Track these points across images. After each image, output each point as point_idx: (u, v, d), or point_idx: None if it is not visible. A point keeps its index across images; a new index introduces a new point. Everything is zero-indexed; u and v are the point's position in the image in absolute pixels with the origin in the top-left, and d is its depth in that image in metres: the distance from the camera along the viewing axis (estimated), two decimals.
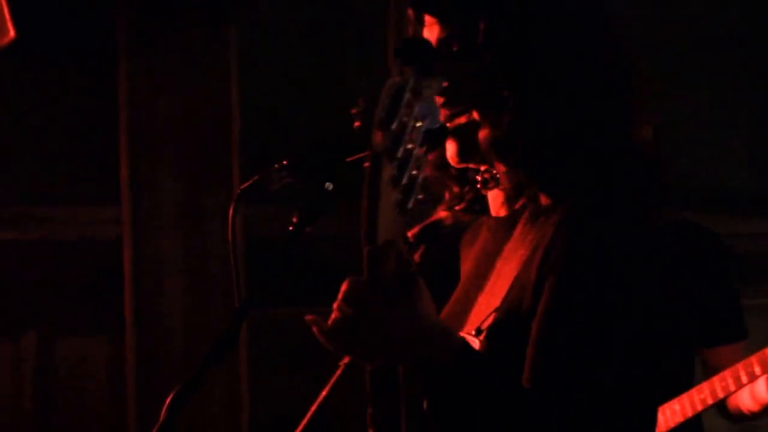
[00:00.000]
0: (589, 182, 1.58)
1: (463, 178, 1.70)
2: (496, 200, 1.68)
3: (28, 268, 4.13)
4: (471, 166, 1.66)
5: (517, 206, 1.65)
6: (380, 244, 1.42)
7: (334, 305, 1.48)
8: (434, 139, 1.52)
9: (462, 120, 1.61)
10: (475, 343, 1.58)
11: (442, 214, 2.30)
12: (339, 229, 3.57)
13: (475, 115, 1.61)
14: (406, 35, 1.70)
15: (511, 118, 1.58)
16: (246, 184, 1.67)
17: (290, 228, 1.59)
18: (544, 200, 1.60)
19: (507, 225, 1.66)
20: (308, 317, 1.49)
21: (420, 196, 1.45)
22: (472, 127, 1.61)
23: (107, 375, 4.15)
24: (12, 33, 3.06)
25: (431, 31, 1.65)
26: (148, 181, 4.12)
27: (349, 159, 1.64)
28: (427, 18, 1.66)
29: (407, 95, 1.43)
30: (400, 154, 1.42)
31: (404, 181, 1.43)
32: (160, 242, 4.13)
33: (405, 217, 1.45)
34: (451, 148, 1.63)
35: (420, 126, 1.44)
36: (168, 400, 1.55)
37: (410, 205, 1.44)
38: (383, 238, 1.42)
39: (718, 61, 4.72)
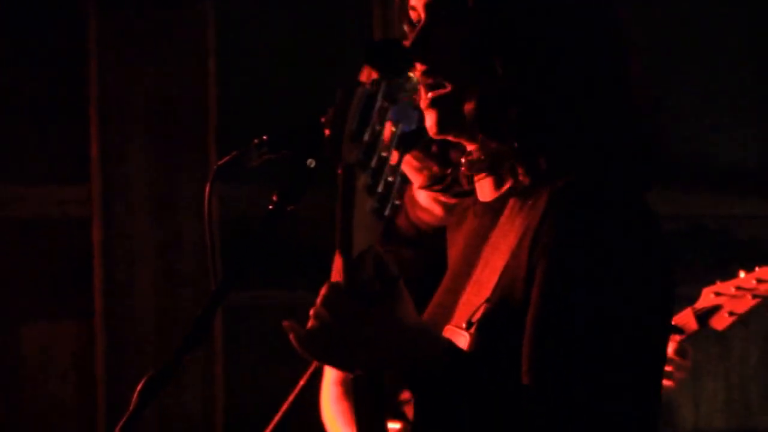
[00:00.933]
0: (579, 161, 1.53)
1: (445, 159, 1.66)
2: (482, 184, 1.62)
3: None
4: (450, 138, 1.61)
5: (503, 190, 1.59)
6: (357, 254, 1.42)
7: (311, 311, 1.45)
8: (410, 141, 1.49)
9: (444, 90, 1.56)
10: (465, 337, 1.53)
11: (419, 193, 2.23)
12: (319, 210, 3.51)
13: (458, 84, 1.56)
14: (376, 36, 1.66)
15: (498, 88, 1.53)
16: (224, 160, 1.60)
17: (270, 207, 1.54)
18: (529, 178, 1.55)
19: (493, 210, 1.61)
20: (285, 323, 1.46)
21: (397, 202, 1.44)
22: (454, 97, 1.56)
23: (75, 361, 4.13)
24: None
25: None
26: (119, 157, 4.09)
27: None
28: None
29: (379, 103, 1.43)
30: (373, 163, 1.42)
31: (379, 189, 1.43)
32: (131, 223, 4.11)
33: (382, 222, 1.45)
34: (430, 118, 1.57)
35: (394, 131, 1.44)
36: (140, 386, 1.51)
37: (387, 212, 1.44)
38: (360, 247, 1.42)
39: (721, 46, 4.71)
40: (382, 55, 1.47)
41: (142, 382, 1.50)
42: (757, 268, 2.72)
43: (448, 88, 1.55)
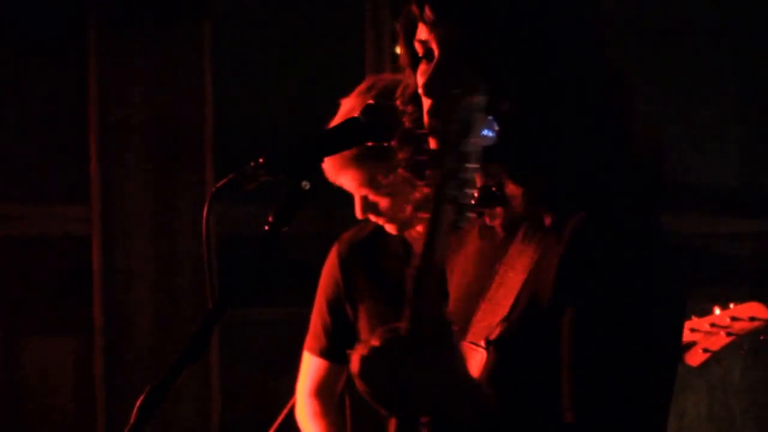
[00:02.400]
0: (595, 188, 1.54)
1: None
2: (491, 212, 1.65)
3: None
4: None
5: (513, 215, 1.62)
6: (433, 263, 1.42)
7: (368, 348, 1.45)
8: (490, 155, 1.48)
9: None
10: (482, 354, 1.56)
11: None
12: (314, 229, 3.55)
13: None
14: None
15: (509, 126, 1.53)
16: (221, 183, 1.64)
17: (266, 227, 1.57)
18: (547, 218, 1.57)
19: (503, 233, 1.63)
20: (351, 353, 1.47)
21: (472, 215, 1.45)
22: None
23: (75, 376, 4.12)
24: None
25: (430, 32, 1.58)
26: (118, 177, 4.09)
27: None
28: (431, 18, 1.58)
29: (478, 115, 1.43)
30: (464, 174, 1.43)
31: (462, 200, 1.43)
32: (130, 241, 4.11)
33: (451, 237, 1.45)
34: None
35: (475, 145, 1.43)
36: (139, 402, 1.53)
37: (462, 224, 1.44)
38: (438, 258, 1.42)
39: (707, 58, 4.74)
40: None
41: (141, 397, 1.52)
42: (731, 305, 2.70)
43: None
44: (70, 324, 4.10)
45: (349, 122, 1.63)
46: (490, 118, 1.44)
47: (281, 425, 2.74)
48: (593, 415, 1.46)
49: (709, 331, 2.70)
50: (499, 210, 1.62)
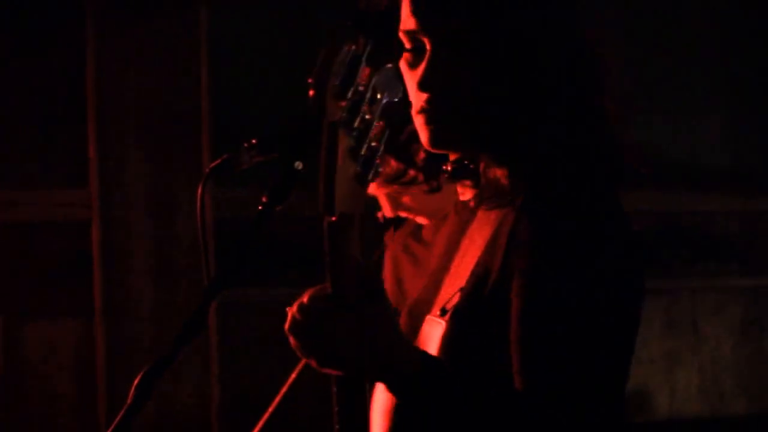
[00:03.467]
0: (553, 162, 1.58)
1: (407, 157, 1.71)
2: (463, 185, 1.68)
3: None
4: (443, 152, 1.65)
5: (480, 186, 1.65)
6: (339, 214, 1.41)
7: (294, 307, 1.48)
8: (395, 112, 1.49)
9: (444, 112, 1.60)
10: (442, 325, 1.58)
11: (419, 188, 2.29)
12: (308, 209, 3.57)
13: (456, 105, 1.60)
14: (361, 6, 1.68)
15: (490, 107, 1.58)
16: (215, 163, 1.66)
17: (260, 207, 1.58)
18: (509, 182, 1.60)
19: (471, 207, 1.67)
20: (289, 309, 1.49)
21: (380, 169, 1.44)
22: (450, 116, 1.60)
23: (76, 357, 4.14)
24: None
25: (418, 23, 1.61)
26: (117, 163, 4.11)
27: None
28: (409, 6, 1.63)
29: (363, 64, 1.41)
30: (357, 124, 1.40)
31: (363, 152, 1.41)
32: (129, 224, 4.13)
33: (364, 190, 1.44)
34: (424, 134, 1.61)
35: (380, 98, 1.42)
36: (136, 381, 1.54)
37: (370, 177, 1.43)
38: (342, 209, 1.41)
39: (695, 41, 4.75)
40: (370, 21, 1.49)
41: (139, 376, 1.53)
42: None
43: (446, 110, 1.59)
44: (70, 307, 4.12)
45: None
46: (388, 74, 1.43)
47: (278, 406, 2.76)
48: (540, 382, 1.48)
49: None
50: (469, 183, 1.65)
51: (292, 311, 1.48)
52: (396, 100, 1.46)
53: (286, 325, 1.48)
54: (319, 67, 1.42)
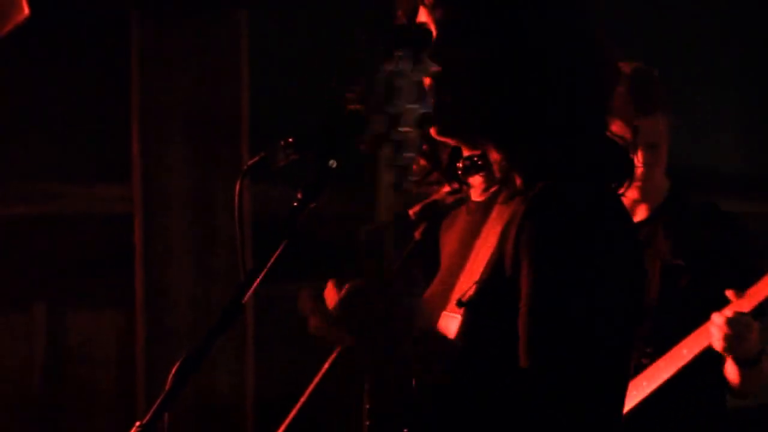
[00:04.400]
0: (561, 162, 1.63)
1: (433, 155, 1.75)
2: (476, 185, 1.73)
3: (40, 242, 4.15)
4: (450, 141, 1.71)
5: (493, 189, 1.70)
6: (379, 224, 1.46)
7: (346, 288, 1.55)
8: (427, 121, 1.56)
9: (447, 98, 1.65)
10: (458, 319, 1.63)
11: (443, 191, 2.35)
12: (344, 206, 3.61)
13: (461, 95, 1.66)
14: (398, 22, 1.73)
15: (497, 99, 1.63)
16: (252, 160, 1.69)
17: (294, 204, 1.62)
18: (518, 181, 1.65)
19: (484, 208, 1.72)
20: (304, 291, 1.59)
21: (416, 178, 1.51)
22: (457, 105, 1.66)
23: (116, 348, 4.18)
24: (27, 11, 3.09)
25: (429, 15, 1.69)
26: (159, 158, 4.15)
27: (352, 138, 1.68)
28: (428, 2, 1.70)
29: (404, 80, 1.48)
30: (396, 136, 1.47)
31: (400, 162, 1.48)
32: (169, 219, 4.16)
33: (399, 198, 1.52)
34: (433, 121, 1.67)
35: (415, 109, 1.49)
36: (173, 370, 1.57)
37: (405, 185, 1.52)
38: (382, 217, 1.47)
39: (708, 45, 4.74)
40: (410, 37, 1.57)
41: (176, 365, 1.57)
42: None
43: (449, 98, 1.65)
44: (112, 298, 4.17)
45: None
46: (425, 87, 1.50)
47: (311, 395, 2.80)
48: (543, 360, 1.54)
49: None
50: (480, 179, 1.70)
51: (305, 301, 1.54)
52: (429, 110, 1.52)
53: (336, 304, 1.55)
54: (362, 84, 1.49)
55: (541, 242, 1.58)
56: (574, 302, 1.56)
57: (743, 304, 2.74)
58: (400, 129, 1.48)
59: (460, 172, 1.72)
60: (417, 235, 2.46)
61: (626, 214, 1.64)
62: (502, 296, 1.60)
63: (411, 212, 2.44)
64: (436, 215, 1.83)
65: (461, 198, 1.78)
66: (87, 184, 4.19)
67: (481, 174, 1.71)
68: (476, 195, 1.74)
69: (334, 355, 2.74)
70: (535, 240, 1.58)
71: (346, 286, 1.54)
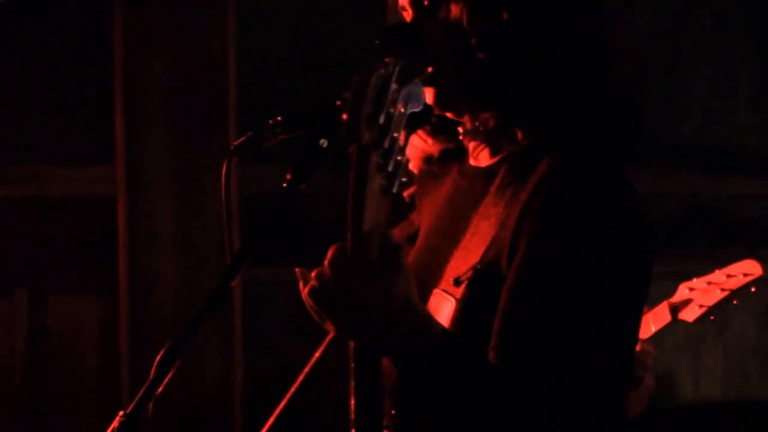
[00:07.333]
0: (569, 134, 1.57)
1: (454, 134, 1.71)
2: (477, 151, 1.68)
3: (22, 226, 4.14)
4: (450, 115, 1.66)
5: (498, 157, 1.65)
6: (366, 231, 1.44)
7: (315, 271, 1.49)
8: (416, 121, 1.51)
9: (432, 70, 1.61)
10: (452, 302, 1.58)
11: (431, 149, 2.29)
12: (333, 188, 3.56)
13: (444, 65, 1.61)
14: (386, 24, 1.69)
15: (481, 63, 1.59)
16: (240, 140, 1.66)
17: (284, 185, 1.59)
18: (519, 135, 1.60)
19: (484, 178, 1.66)
20: (297, 269, 1.51)
21: (404, 179, 1.46)
22: (444, 75, 1.62)
23: (99, 334, 4.16)
24: None
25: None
26: (143, 139, 4.13)
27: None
28: None
29: (393, 86, 1.44)
30: (386, 144, 1.44)
31: (390, 168, 1.45)
32: (153, 201, 4.14)
33: (388, 200, 1.46)
34: (428, 96, 1.63)
35: (404, 112, 1.46)
36: (158, 357, 1.55)
37: (395, 189, 1.45)
38: (369, 224, 1.44)
39: (725, 24, 4.72)
40: (398, 39, 1.53)
41: (161, 352, 1.55)
42: (731, 266, 2.82)
43: (434, 69, 1.60)
44: (94, 283, 4.15)
45: None
46: (413, 86, 1.47)
47: (302, 383, 2.76)
48: (511, 354, 1.47)
49: (705, 289, 2.81)
50: (484, 145, 1.65)
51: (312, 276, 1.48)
52: (418, 110, 1.49)
53: (306, 290, 1.49)
54: (352, 93, 1.45)
55: (537, 230, 1.52)
56: (556, 306, 1.49)
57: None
58: (391, 136, 1.45)
59: (460, 137, 1.67)
60: (405, 196, 2.41)
61: (640, 208, 1.56)
62: (500, 285, 1.53)
63: (406, 194, 2.40)
64: (427, 173, 1.79)
65: (449, 153, 1.73)
66: (68, 165, 4.17)
67: (484, 141, 1.65)
68: (477, 161, 1.69)
69: (325, 343, 2.69)
70: (532, 228, 1.52)
71: (312, 274, 1.48)
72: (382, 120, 1.43)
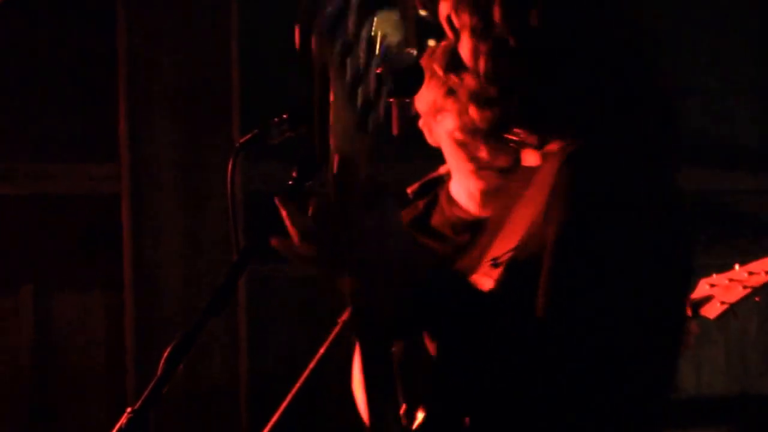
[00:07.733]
0: (603, 125, 1.58)
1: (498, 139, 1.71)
2: (527, 153, 1.70)
3: (28, 223, 4.14)
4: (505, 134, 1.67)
5: (542, 152, 1.66)
6: (339, 161, 1.34)
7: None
8: (397, 58, 1.38)
9: (490, 94, 1.60)
10: (490, 282, 1.56)
11: (442, 170, 2.31)
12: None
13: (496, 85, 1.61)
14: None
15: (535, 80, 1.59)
16: (245, 138, 1.66)
17: (289, 182, 1.58)
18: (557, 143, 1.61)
19: (528, 175, 1.67)
20: (274, 242, 1.46)
21: (380, 117, 1.34)
22: (495, 96, 1.61)
23: (105, 330, 4.17)
24: None
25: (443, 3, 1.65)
26: (147, 136, 4.12)
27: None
28: None
29: (355, 3, 1.31)
30: (351, 68, 1.31)
31: (359, 100, 1.32)
32: (158, 198, 4.14)
33: (369, 139, 1.34)
34: (485, 119, 1.62)
35: (377, 42, 1.32)
36: (165, 353, 1.56)
37: (370, 125, 1.33)
38: (342, 156, 1.34)
39: (729, 18, 4.72)
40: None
41: (168, 349, 1.55)
42: (752, 263, 2.81)
43: (492, 92, 1.60)
44: (100, 279, 4.15)
45: None
46: (385, 17, 1.32)
47: (307, 378, 2.77)
48: (558, 314, 1.46)
49: (727, 286, 2.80)
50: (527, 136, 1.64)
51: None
52: (395, 44, 1.35)
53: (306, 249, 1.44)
54: (304, 3, 1.32)
55: (569, 200, 1.51)
56: (599, 264, 1.48)
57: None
58: (358, 60, 1.31)
59: (513, 145, 1.65)
60: (420, 205, 2.41)
61: (673, 187, 1.56)
62: (536, 266, 1.51)
63: (409, 191, 2.40)
64: (437, 192, 1.79)
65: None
66: (73, 163, 4.17)
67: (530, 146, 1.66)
68: (527, 161, 1.69)
69: (331, 338, 2.70)
70: (563, 199, 1.52)
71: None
72: (342, 37, 1.31)
